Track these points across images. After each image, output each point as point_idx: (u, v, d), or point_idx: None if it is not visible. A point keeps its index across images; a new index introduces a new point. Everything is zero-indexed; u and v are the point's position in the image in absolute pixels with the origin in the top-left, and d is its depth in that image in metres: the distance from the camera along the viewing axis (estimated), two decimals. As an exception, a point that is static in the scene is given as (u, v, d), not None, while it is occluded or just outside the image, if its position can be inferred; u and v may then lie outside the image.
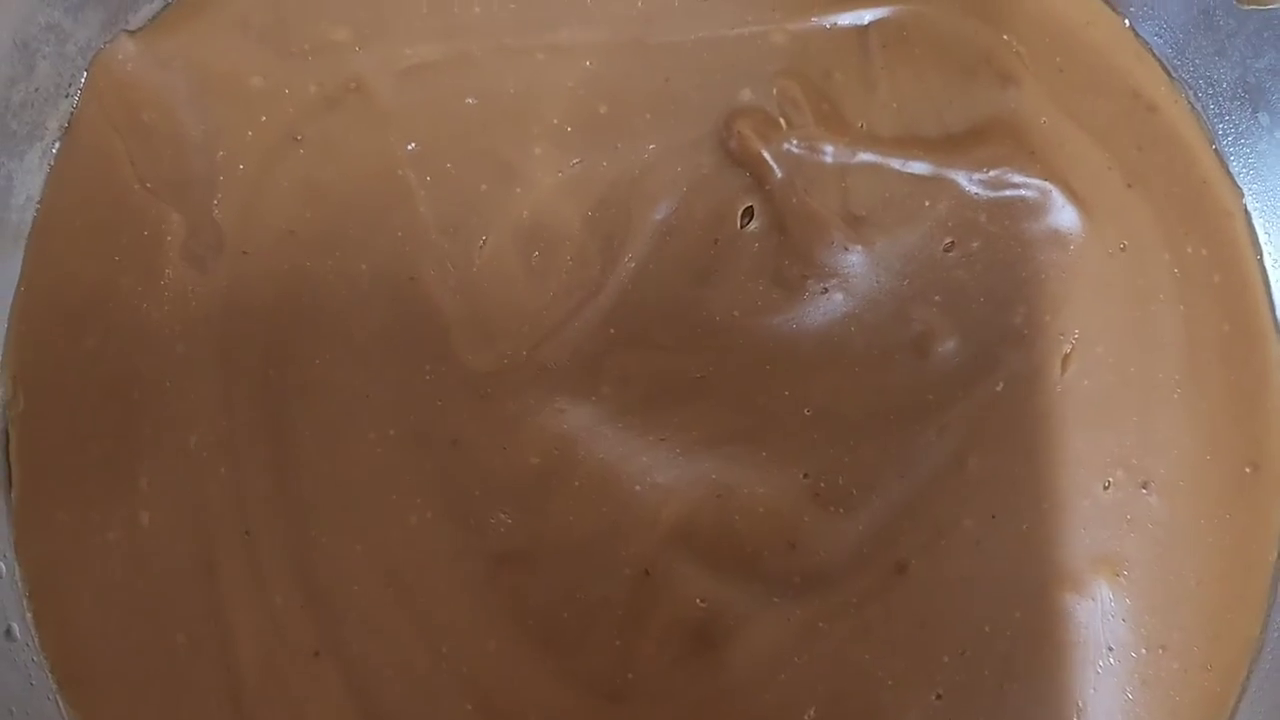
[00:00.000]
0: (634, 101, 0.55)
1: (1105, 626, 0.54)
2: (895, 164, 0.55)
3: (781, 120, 0.55)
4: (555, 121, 0.54)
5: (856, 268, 0.55)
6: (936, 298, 0.55)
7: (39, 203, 0.52)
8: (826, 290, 0.54)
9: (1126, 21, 0.58)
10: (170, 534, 0.51)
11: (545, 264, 0.54)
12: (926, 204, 0.55)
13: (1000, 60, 0.56)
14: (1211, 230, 0.57)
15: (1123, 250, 0.56)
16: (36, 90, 0.51)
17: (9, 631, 0.50)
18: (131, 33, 0.53)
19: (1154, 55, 0.58)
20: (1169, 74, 0.58)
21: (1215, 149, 0.58)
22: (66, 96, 0.52)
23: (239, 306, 0.52)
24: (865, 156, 0.55)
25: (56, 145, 0.53)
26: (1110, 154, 0.57)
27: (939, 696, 0.52)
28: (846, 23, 0.56)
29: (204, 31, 0.54)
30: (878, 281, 0.55)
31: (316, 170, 0.53)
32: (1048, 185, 0.56)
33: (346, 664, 0.51)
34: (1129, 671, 0.54)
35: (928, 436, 0.54)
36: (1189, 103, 0.58)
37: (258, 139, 0.53)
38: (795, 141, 0.54)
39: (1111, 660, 0.54)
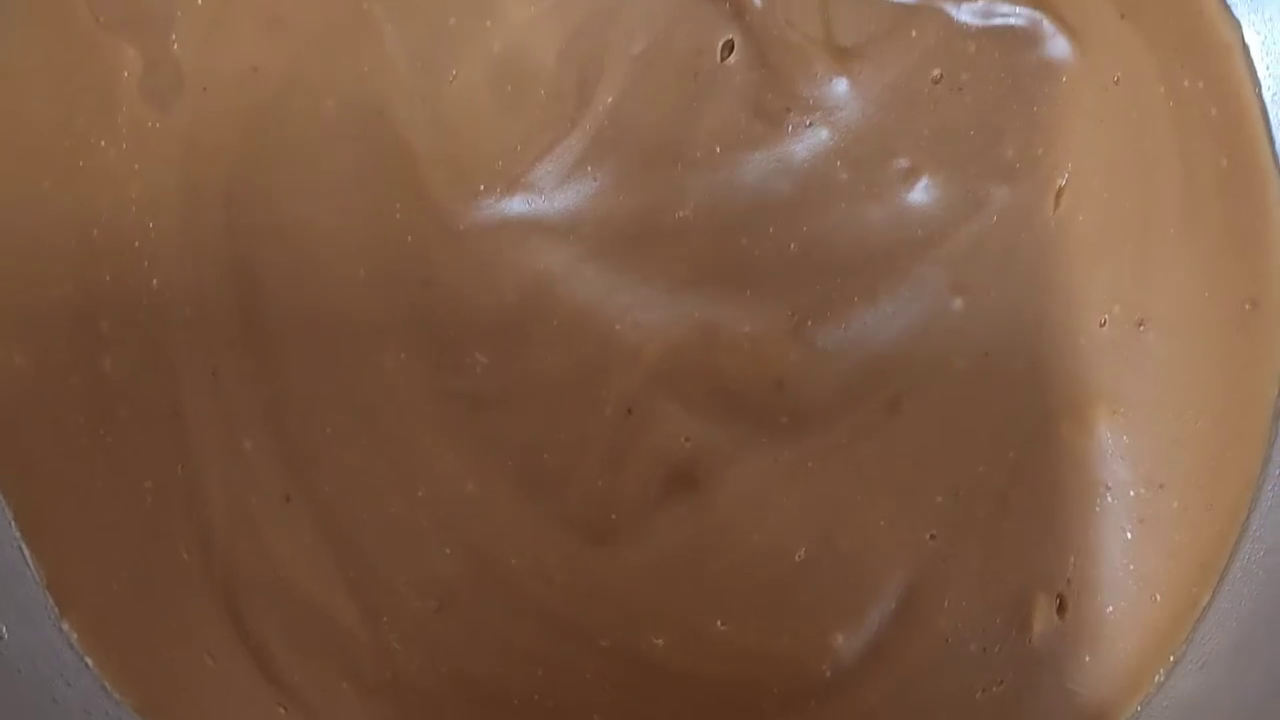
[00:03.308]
0: (608, -70, 0.53)
1: (1103, 465, 0.52)
2: (880, -8, 0.53)
3: (761, -52, 0.53)
4: (526, -49, 0.52)
5: (841, 100, 0.53)
6: (925, 131, 0.53)
7: (-14, 39, 0.50)
8: (810, 124, 0.53)
9: None
10: (134, 378, 0.50)
11: (518, 99, 0.52)
12: (913, 34, 0.53)
13: (989, -115, 0.54)
14: (1208, 63, 0.55)
15: (1116, 83, 0.54)
16: (-21, -83, 0.49)
17: (-33, 478, 0.48)
18: None
19: (1147, -126, 0.56)
20: (1163, -101, 0.56)
21: (1211, -23, 0.56)
22: (12, -74, 0.50)
23: (200, 145, 0.51)
24: (849, -15, 0.53)
25: (3, -22, 0.51)
26: (1102, -18, 0.55)
27: (933, 536, 0.51)
28: None
29: None
30: (863, 114, 0.53)
31: (278, 3, 0.51)
32: (1038, 14, 0.54)
33: (319, 508, 0.49)
34: (1127, 510, 0.52)
35: (917, 272, 0.52)
36: (1184, -72, 0.56)
37: (216, -30, 0.51)
38: (776, -31, 0.52)
39: (1110, 499, 0.52)
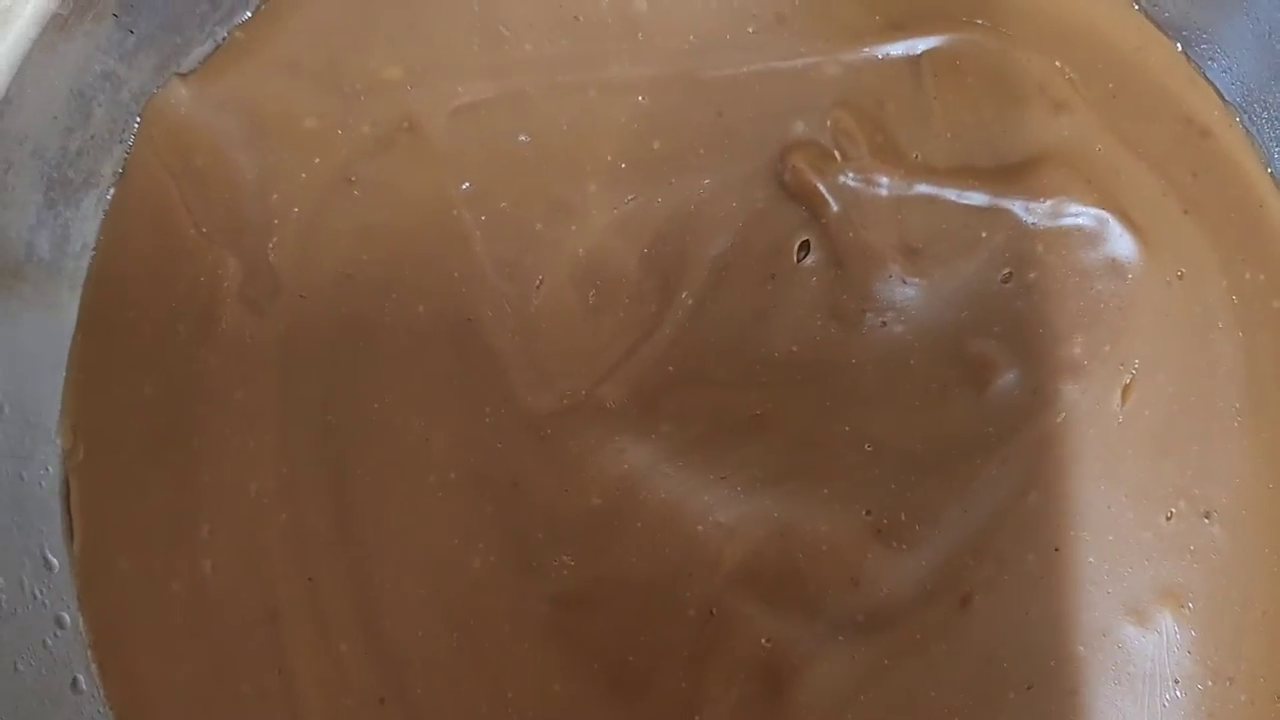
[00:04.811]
0: (687, 136, 0.54)
1: (1170, 659, 0.53)
2: (951, 195, 0.55)
3: (836, 153, 0.55)
4: (609, 158, 0.54)
5: (914, 300, 0.54)
6: (995, 329, 0.54)
7: (94, 250, 0.52)
8: (885, 324, 0.54)
9: (1179, 46, 0.58)
10: (233, 582, 0.51)
11: (602, 302, 0.53)
12: (983, 235, 0.55)
13: (1053, 87, 0.56)
14: (1269, 255, 0.57)
15: (1180, 278, 0.56)
16: (92, 138, 0.51)
17: (75, 683, 0.50)
18: (183, 76, 0.53)
19: (1207, 79, 0.58)
20: (1222, 98, 0.58)
21: (1270, 172, 0.58)
22: (121, 143, 0.52)
23: (297, 351, 0.52)
24: (921, 188, 0.55)
25: (111, 192, 0.52)
26: (1165, 180, 0.56)
27: (1006, 733, 0.52)
28: (899, 53, 0.56)
29: (256, 73, 0.54)
30: (935, 314, 0.54)
31: (371, 212, 0.53)
32: (1105, 214, 0.55)
33: (412, 710, 0.50)
34: (1195, 704, 0.53)
35: (989, 470, 0.54)
36: (1243, 126, 0.58)
37: (312, 181, 0.53)
38: (850, 174, 0.54)
39: (1178, 693, 0.53)
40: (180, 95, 0.53)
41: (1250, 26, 0.56)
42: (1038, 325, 0.55)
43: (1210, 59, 0.58)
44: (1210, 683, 0.53)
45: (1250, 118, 0.58)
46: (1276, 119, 0.57)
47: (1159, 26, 0.58)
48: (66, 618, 0.50)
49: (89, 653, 0.50)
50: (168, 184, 0.53)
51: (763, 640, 0.51)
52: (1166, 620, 0.53)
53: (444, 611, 0.51)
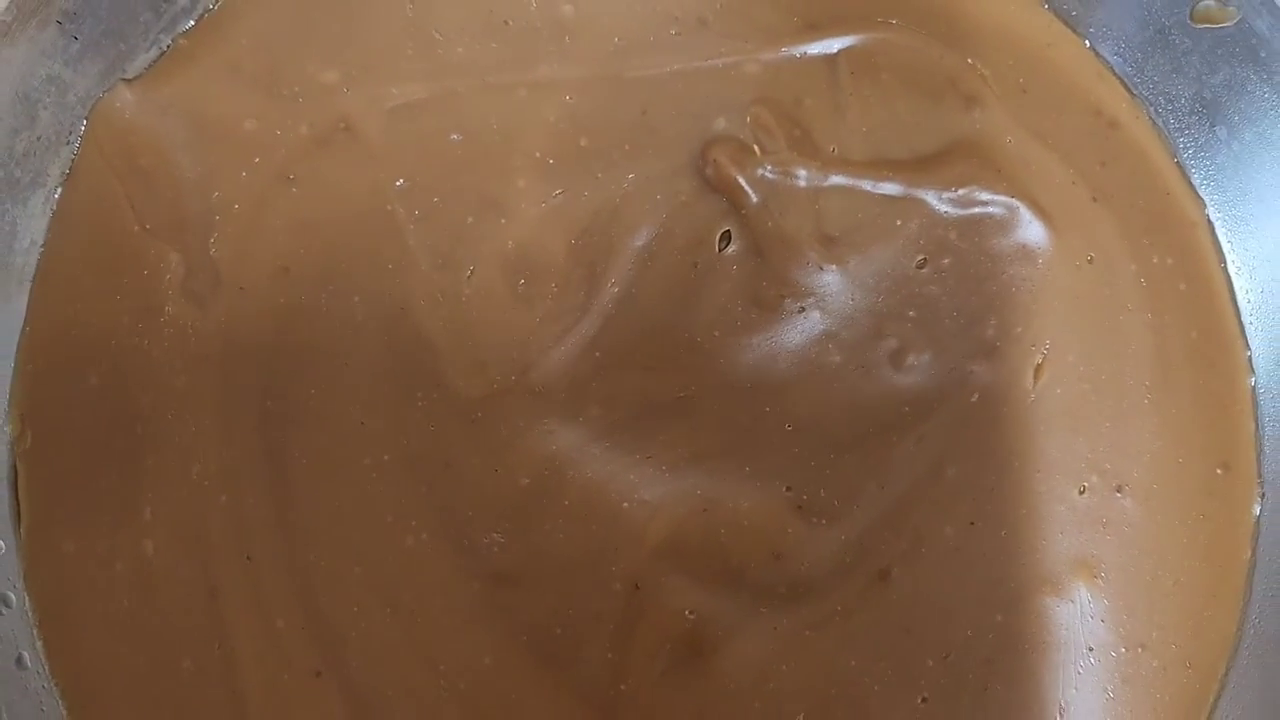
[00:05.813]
0: (613, 133, 0.57)
1: (1085, 627, 0.55)
2: (866, 185, 0.57)
3: (755, 147, 0.57)
4: (538, 155, 0.56)
5: (832, 287, 0.56)
6: (910, 313, 0.57)
7: (42, 246, 0.54)
8: (803, 309, 0.56)
9: (1086, 42, 0.60)
10: (174, 562, 0.52)
11: (531, 292, 0.55)
12: (898, 223, 0.57)
13: (965, 83, 0.58)
14: (1176, 240, 0.59)
15: (1090, 262, 0.58)
16: (39, 139, 0.53)
17: (20, 660, 0.51)
18: (129, 81, 0.55)
19: (1114, 74, 0.60)
20: (1129, 91, 0.60)
21: (1177, 162, 0.60)
22: (67, 144, 0.54)
23: (237, 341, 0.54)
24: (837, 179, 0.57)
25: (59, 191, 0.55)
26: (1075, 170, 0.58)
27: (924, 700, 0.54)
28: (816, 52, 0.58)
29: (198, 78, 0.56)
30: (852, 300, 0.57)
31: (308, 208, 0.55)
32: (1015, 202, 0.57)
33: (347, 684, 0.52)
34: (1109, 670, 0.55)
35: (906, 447, 0.55)
36: (1150, 118, 0.60)
37: (251, 179, 0.55)
38: (769, 167, 0.56)
39: (1092, 660, 0.55)
40: (125, 99, 0.55)
41: (1151, 22, 0.58)
42: (952, 309, 0.57)
43: (1116, 54, 0.60)
44: (1124, 650, 0.55)
45: (1156, 109, 0.60)
46: (1181, 110, 0.60)
47: (1067, 24, 0.61)
48: (13, 597, 0.52)
49: (35, 631, 0.52)
50: (113, 184, 0.55)
51: (687, 612, 0.53)
52: (1081, 590, 0.55)
53: (378, 588, 0.53)
